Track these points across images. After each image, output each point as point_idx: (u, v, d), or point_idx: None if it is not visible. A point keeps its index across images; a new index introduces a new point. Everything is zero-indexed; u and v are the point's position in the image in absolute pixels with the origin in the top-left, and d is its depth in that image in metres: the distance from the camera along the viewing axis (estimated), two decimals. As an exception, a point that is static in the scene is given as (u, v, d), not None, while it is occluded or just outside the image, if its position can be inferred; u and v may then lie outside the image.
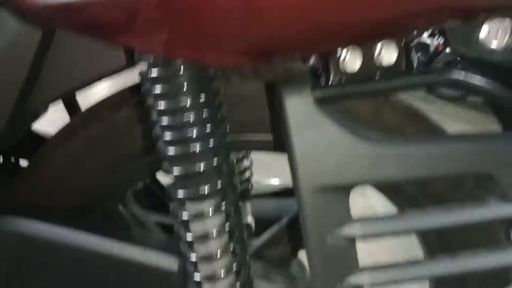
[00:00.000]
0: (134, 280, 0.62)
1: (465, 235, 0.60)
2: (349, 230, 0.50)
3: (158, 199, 0.95)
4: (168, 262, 0.61)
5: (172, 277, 0.60)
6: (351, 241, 0.50)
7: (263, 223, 0.91)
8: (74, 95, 0.89)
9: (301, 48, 0.44)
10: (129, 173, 0.67)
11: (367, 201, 2.54)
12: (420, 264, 0.52)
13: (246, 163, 0.94)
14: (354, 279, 0.51)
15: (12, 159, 0.81)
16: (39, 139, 0.80)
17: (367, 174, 0.49)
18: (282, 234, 0.81)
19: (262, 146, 0.62)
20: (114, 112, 0.64)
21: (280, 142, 0.52)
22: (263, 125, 0.59)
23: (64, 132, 0.68)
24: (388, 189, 0.64)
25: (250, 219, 1.00)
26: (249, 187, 0.96)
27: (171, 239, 0.69)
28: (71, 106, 0.89)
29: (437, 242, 0.62)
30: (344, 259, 0.51)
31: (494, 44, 0.48)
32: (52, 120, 0.87)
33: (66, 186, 0.68)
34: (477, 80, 0.51)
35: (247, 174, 0.95)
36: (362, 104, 0.60)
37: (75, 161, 0.67)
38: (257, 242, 0.81)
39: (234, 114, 0.58)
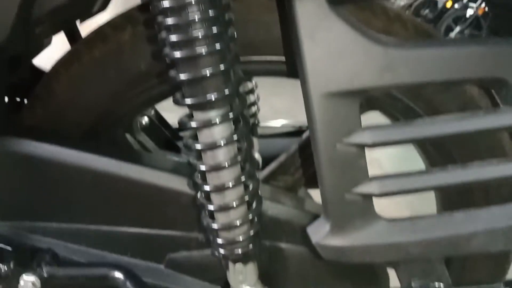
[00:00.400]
0: (143, 201, 0.63)
1: (464, 146, 0.59)
2: (358, 138, 0.49)
3: (165, 137, 0.94)
4: (177, 183, 0.61)
5: (182, 197, 0.61)
6: (361, 149, 0.50)
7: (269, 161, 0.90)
8: (77, 27, 0.87)
9: None
10: (135, 97, 0.66)
11: (373, 156, 2.53)
12: (427, 174, 0.51)
13: (252, 97, 0.93)
14: (363, 188, 0.50)
15: (17, 99, 0.81)
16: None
17: (379, 78, 0.47)
18: (289, 164, 0.81)
19: (274, 70, 0.60)
20: (119, 32, 0.62)
21: (293, 66, 0.50)
22: (276, 47, 0.57)
23: (68, 56, 0.67)
24: (394, 109, 0.64)
25: (257, 156, 0.99)
26: (256, 123, 0.95)
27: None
28: (74, 40, 0.88)
29: (437, 154, 0.61)
30: (353, 168, 0.50)
31: None
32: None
33: (71, 113, 0.67)
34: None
35: (253, 109, 0.94)
36: (374, 19, 0.58)
37: (79, 85, 0.66)
38: (264, 172, 0.81)
39: (245, 35, 0.56)
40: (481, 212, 0.52)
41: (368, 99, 0.61)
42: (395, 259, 0.52)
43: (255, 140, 0.97)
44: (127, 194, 0.61)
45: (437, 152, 0.60)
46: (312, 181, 0.60)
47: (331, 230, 0.52)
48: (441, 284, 0.54)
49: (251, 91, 0.92)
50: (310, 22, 0.47)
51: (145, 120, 0.92)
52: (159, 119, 0.95)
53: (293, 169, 0.79)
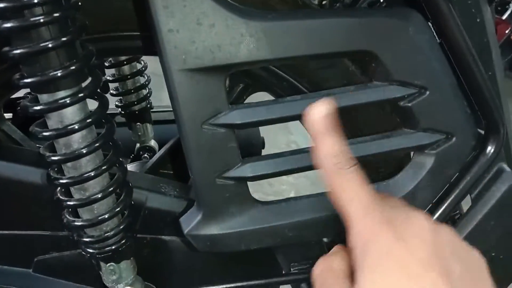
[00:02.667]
0: (1, 199, 0.55)
1: (349, 124, 0.57)
2: (226, 118, 0.45)
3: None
4: (36, 176, 0.54)
5: (43, 193, 0.54)
6: (230, 131, 0.46)
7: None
8: None
9: None
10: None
11: (291, 138, 2.56)
12: (302, 154, 0.49)
13: (141, 79, 0.87)
14: (235, 172, 0.47)
15: None
16: None
17: (242, 53, 0.44)
18: (175, 152, 0.76)
19: (131, 47, 0.53)
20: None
21: (150, 43, 0.45)
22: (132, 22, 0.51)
23: None
24: (280, 89, 0.61)
25: (153, 143, 0.94)
26: (148, 107, 0.89)
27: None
28: None
29: None
30: (223, 151, 0.46)
31: None
32: None
33: None
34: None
35: (143, 92, 0.88)
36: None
37: None
38: (151, 161, 0.76)
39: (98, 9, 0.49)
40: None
41: (253, 79, 0.58)
42: (272, 243, 0.49)
43: (149, 126, 0.92)
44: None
45: None
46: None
47: (203, 218, 0.48)
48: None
49: (140, 72, 0.86)
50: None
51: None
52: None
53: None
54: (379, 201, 0.39)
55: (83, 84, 0.44)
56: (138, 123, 0.89)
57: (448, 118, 0.51)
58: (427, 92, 0.49)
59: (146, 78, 0.87)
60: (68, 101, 0.43)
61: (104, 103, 0.47)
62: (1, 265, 0.57)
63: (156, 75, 0.83)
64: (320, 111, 0.38)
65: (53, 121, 0.44)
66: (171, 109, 0.47)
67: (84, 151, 0.45)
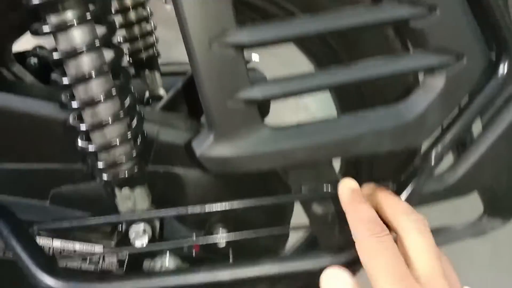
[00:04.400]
0: (15, 132, 0.56)
1: (355, 47, 0.57)
2: (234, 37, 0.45)
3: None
4: (49, 109, 0.55)
5: (57, 125, 0.55)
6: (238, 51, 0.46)
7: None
8: None
9: None
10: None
11: (301, 101, 2.54)
12: (312, 75, 0.48)
13: (148, 27, 0.87)
14: (245, 93, 0.47)
15: None
16: None
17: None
18: (185, 92, 0.76)
19: None
20: None
21: None
22: None
23: None
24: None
25: (162, 91, 0.94)
26: (155, 54, 0.89)
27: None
28: None
29: (323, 56, 0.60)
30: (233, 72, 0.46)
31: None
32: None
33: None
34: None
35: (150, 39, 0.88)
36: None
37: None
38: (162, 101, 0.77)
39: None
40: (368, 114, 0.51)
41: (262, 14, 0.58)
42: (283, 165, 0.50)
43: (157, 74, 0.92)
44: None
45: (323, 53, 0.58)
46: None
47: (214, 140, 0.48)
48: (329, 186, 0.52)
49: (146, 19, 0.85)
50: None
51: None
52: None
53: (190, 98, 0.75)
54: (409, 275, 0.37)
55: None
56: (146, 71, 0.89)
57: (458, 37, 0.50)
58: (437, 10, 0.48)
59: (152, 24, 0.87)
60: (76, 21, 0.43)
61: (112, 29, 0.47)
62: (19, 197, 0.59)
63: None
64: (351, 184, 0.43)
65: (62, 43, 0.44)
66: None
67: (94, 73, 0.45)
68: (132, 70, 0.91)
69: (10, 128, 0.56)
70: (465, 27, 0.50)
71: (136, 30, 0.85)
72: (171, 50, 1.07)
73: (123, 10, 0.84)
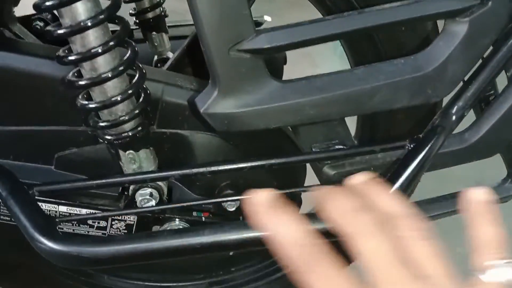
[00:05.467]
0: (15, 93, 0.54)
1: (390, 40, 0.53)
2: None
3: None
4: (50, 67, 0.52)
5: (58, 84, 0.52)
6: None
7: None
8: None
9: None
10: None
11: (304, 51, 2.45)
12: (320, 23, 0.45)
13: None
14: (250, 43, 0.44)
15: None
16: None
17: None
18: (191, 53, 0.73)
19: None
20: None
21: None
22: None
23: None
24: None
25: (170, 55, 0.91)
26: (163, 14, 0.86)
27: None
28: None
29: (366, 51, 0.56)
30: (236, 20, 0.43)
31: None
32: None
33: None
34: None
35: (159, -5, 0.84)
36: None
37: None
38: (167, 64, 0.74)
39: None
40: (384, 66, 0.47)
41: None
42: (292, 122, 0.47)
43: (165, 36, 0.89)
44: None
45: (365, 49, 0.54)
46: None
47: (218, 95, 0.46)
48: (342, 146, 0.49)
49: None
50: None
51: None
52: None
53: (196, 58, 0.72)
54: None
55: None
56: (154, 33, 0.86)
57: (483, -22, 0.46)
58: None
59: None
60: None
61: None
62: (23, 161, 0.57)
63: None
64: (262, 196, 0.30)
65: (67, 18, 0.42)
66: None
67: (90, 24, 0.43)
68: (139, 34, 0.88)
69: (10, 88, 0.54)
70: (491, -33, 0.46)
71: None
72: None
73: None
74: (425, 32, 0.51)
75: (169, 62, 0.73)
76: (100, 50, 0.44)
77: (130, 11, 0.85)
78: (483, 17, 0.47)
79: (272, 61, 0.82)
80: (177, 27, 0.95)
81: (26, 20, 0.78)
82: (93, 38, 0.44)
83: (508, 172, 0.58)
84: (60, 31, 0.43)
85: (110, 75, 0.45)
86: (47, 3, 0.41)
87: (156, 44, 0.87)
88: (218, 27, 0.43)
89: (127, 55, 0.47)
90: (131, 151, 0.52)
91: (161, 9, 0.85)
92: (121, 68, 0.46)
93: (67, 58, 0.45)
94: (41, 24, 0.81)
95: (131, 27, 0.86)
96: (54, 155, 0.57)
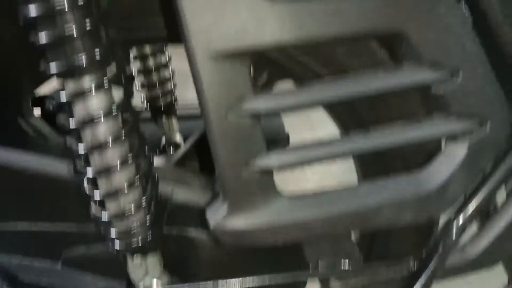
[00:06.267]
0: (27, 191, 0.56)
1: (378, 110, 0.55)
2: (251, 105, 0.44)
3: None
4: (62, 168, 0.54)
5: (70, 185, 0.54)
6: (255, 118, 0.45)
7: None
8: None
9: None
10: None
11: (310, 119, 2.47)
12: (334, 143, 0.47)
13: (166, 73, 0.87)
14: (261, 161, 0.46)
15: None
16: None
17: (267, 35, 0.42)
18: (200, 145, 0.76)
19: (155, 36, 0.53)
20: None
21: (175, 30, 0.44)
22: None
23: None
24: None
25: (178, 137, 0.94)
26: (173, 101, 0.89)
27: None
28: None
29: (350, 120, 0.58)
30: (248, 140, 0.45)
31: None
32: None
33: None
34: None
35: (168, 85, 0.88)
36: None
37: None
38: (177, 154, 0.76)
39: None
40: (388, 183, 0.49)
41: (277, 69, 0.57)
42: (300, 238, 0.48)
43: (174, 120, 0.92)
44: (7, 183, 0.54)
45: (348, 116, 0.56)
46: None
47: (228, 212, 0.47)
48: (348, 262, 0.50)
49: (165, 65, 0.86)
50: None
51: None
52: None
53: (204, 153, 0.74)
54: None
55: (108, 72, 0.44)
56: (164, 117, 0.89)
57: (482, 102, 0.48)
58: (460, 74, 0.46)
59: (170, 71, 0.87)
60: (93, 87, 0.43)
61: (129, 93, 0.47)
62: (31, 258, 0.58)
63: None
64: None
65: (79, 110, 0.44)
66: (196, 105, 0.46)
67: (110, 142, 0.45)
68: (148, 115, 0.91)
69: (23, 186, 0.55)
70: (489, 91, 0.48)
71: (155, 77, 0.85)
72: (187, 81, 1.06)
73: (142, 57, 0.84)
74: (428, 146, 0.53)
75: (178, 154, 0.75)
76: (119, 165, 0.46)
77: (142, 96, 0.88)
78: (482, 138, 0.49)
79: (276, 140, 0.85)
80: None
81: (40, 101, 0.81)
82: (111, 154, 0.46)
83: (509, 279, 0.59)
84: (73, 126, 0.45)
85: (126, 189, 0.47)
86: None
87: (165, 128, 0.90)
88: (231, 147, 0.45)
89: (143, 166, 0.49)
90: (138, 257, 0.53)
91: (172, 96, 0.88)
92: (136, 181, 0.48)
93: (83, 172, 0.47)
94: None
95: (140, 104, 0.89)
96: (61, 252, 0.58)
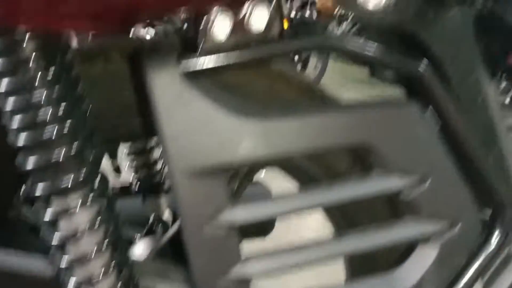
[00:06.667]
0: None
1: (367, 210, 0.57)
2: (228, 216, 0.46)
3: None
4: (41, 266, 0.55)
5: (46, 283, 0.55)
6: (232, 229, 0.47)
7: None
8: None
9: (162, 7, 0.40)
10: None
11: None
12: (311, 248, 0.49)
13: (156, 153, 0.89)
14: (238, 270, 0.47)
15: None
16: None
17: (244, 152, 0.45)
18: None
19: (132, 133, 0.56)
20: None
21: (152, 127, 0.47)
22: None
23: None
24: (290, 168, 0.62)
25: (167, 215, 0.95)
26: (163, 180, 0.91)
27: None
28: None
29: (342, 219, 0.60)
30: (226, 249, 0.47)
31: (371, 5, 0.46)
32: None
33: None
34: (355, 44, 0.48)
35: (158, 165, 0.90)
36: (255, 80, 0.56)
37: None
38: (159, 242, 0.77)
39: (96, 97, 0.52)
40: (361, 285, 0.51)
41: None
42: None
43: (163, 198, 0.93)
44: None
45: (341, 216, 0.59)
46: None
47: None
48: None
49: (155, 147, 0.88)
50: (164, 95, 0.44)
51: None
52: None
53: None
54: None
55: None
56: (152, 195, 0.90)
57: (451, 205, 0.51)
58: (429, 181, 0.49)
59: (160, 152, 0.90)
60: (78, 206, 0.45)
61: (111, 201, 0.49)
62: None
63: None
64: None
65: (65, 225, 0.46)
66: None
67: (93, 255, 0.46)
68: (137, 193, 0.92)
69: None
70: (458, 194, 0.51)
71: (144, 159, 0.88)
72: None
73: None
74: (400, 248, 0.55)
75: (166, 236, 0.76)
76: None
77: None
78: (454, 238, 0.51)
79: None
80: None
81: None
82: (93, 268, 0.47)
83: None
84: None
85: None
86: None
87: (153, 206, 0.91)
88: (207, 260, 0.47)
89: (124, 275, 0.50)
90: None
91: (162, 176, 0.90)
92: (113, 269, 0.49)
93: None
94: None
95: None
96: None
